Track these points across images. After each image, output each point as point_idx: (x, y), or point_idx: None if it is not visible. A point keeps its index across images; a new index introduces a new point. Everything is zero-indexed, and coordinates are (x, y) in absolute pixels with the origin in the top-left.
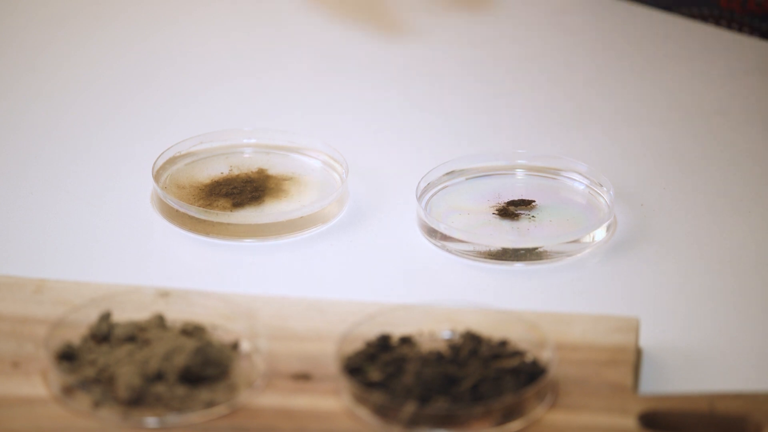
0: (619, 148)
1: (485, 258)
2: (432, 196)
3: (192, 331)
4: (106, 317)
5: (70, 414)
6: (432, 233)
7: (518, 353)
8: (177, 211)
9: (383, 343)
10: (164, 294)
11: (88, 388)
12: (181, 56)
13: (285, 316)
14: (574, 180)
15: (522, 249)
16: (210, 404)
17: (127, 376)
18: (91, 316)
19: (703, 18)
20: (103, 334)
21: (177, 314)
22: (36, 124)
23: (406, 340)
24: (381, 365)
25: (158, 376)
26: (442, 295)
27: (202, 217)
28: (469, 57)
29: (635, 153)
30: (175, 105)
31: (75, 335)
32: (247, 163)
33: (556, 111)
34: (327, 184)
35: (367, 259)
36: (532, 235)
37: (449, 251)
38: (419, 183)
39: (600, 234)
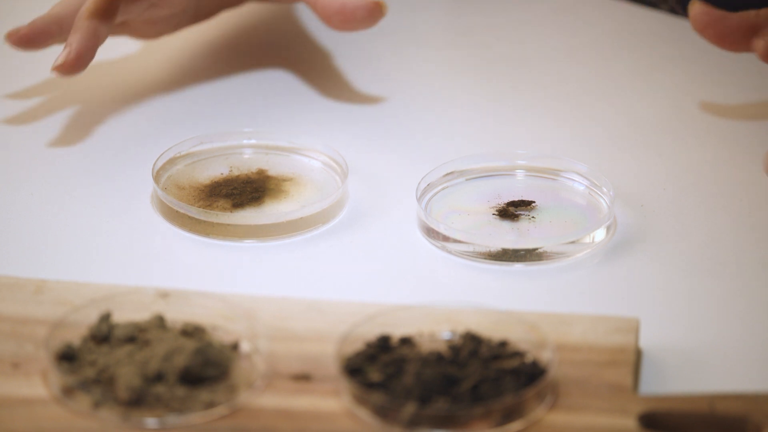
0: (619, 149)
1: (485, 259)
2: (432, 196)
3: (192, 331)
4: (106, 318)
5: (70, 414)
6: (432, 234)
7: (518, 354)
8: (177, 211)
9: (383, 343)
10: (164, 294)
11: (88, 388)
12: (182, 56)
13: (285, 316)
14: (574, 181)
15: (522, 250)
16: (210, 405)
17: (127, 376)
18: (91, 317)
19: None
20: (103, 334)
21: (177, 315)
22: (36, 125)
23: (406, 341)
24: (381, 366)
25: (158, 377)
26: (442, 295)
27: (202, 217)
28: (468, 57)
29: (635, 153)
30: (175, 105)
31: (75, 336)
32: (247, 163)
33: (556, 111)
34: (327, 185)
35: (367, 259)
36: (532, 236)
37: (449, 252)
38: (419, 184)
39: (600, 235)
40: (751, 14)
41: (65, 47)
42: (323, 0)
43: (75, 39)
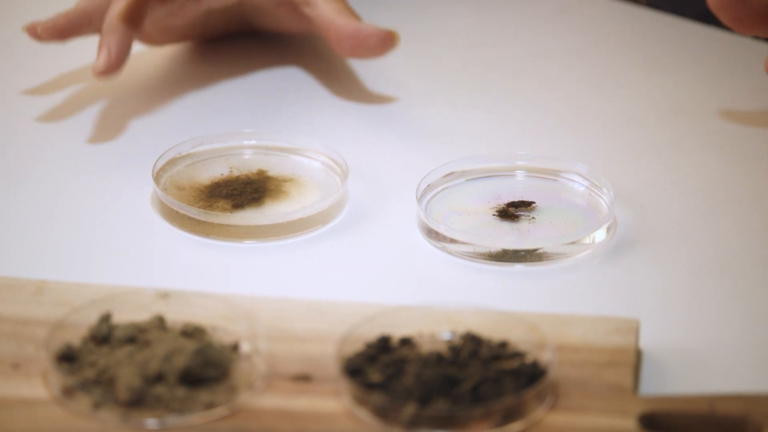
0: (619, 149)
1: (485, 259)
2: (432, 197)
3: (192, 332)
4: (106, 318)
5: (71, 415)
6: (432, 234)
7: (518, 354)
8: (177, 212)
9: (383, 344)
10: (164, 295)
11: (89, 389)
12: (182, 57)
13: (285, 317)
14: (574, 181)
15: (522, 250)
16: (210, 405)
17: (128, 377)
18: (92, 318)
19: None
20: (104, 335)
21: (177, 315)
22: (37, 125)
23: (406, 342)
24: (381, 366)
25: (158, 378)
26: (442, 296)
27: (203, 218)
28: (468, 57)
29: (635, 154)
30: (175, 106)
31: (75, 336)
32: (247, 164)
33: (556, 112)
34: (327, 186)
35: (368, 260)
36: (532, 237)
37: (449, 252)
38: (419, 184)
39: (600, 235)
40: None
41: (102, 48)
42: (338, 24)
43: (112, 41)
